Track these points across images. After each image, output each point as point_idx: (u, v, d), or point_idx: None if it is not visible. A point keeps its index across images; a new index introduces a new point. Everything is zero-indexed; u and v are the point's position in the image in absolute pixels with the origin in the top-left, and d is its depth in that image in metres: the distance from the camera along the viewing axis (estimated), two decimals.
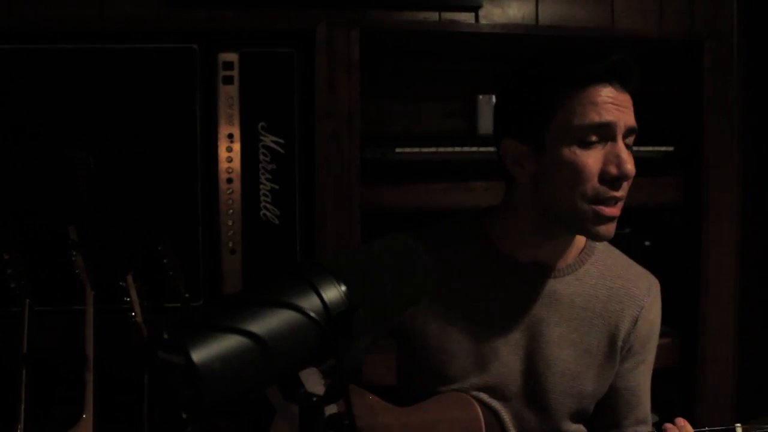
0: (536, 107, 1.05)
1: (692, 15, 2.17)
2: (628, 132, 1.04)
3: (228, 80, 1.83)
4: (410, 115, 2.17)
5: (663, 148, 1.95)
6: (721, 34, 2.16)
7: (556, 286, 1.14)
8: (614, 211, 1.02)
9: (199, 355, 0.52)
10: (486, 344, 1.14)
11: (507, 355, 1.14)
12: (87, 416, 1.67)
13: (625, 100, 1.05)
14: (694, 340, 2.00)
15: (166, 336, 0.54)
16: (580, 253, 1.17)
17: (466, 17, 2.11)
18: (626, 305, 1.15)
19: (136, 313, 1.74)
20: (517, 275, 1.14)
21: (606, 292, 1.16)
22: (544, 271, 1.14)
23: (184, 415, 0.54)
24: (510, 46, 2.03)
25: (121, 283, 1.75)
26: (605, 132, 1.02)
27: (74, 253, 1.74)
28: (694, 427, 1.08)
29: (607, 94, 1.03)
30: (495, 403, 1.15)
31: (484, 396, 1.14)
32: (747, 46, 2.19)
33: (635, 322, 1.15)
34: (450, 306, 1.15)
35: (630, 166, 1.01)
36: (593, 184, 1.01)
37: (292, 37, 1.85)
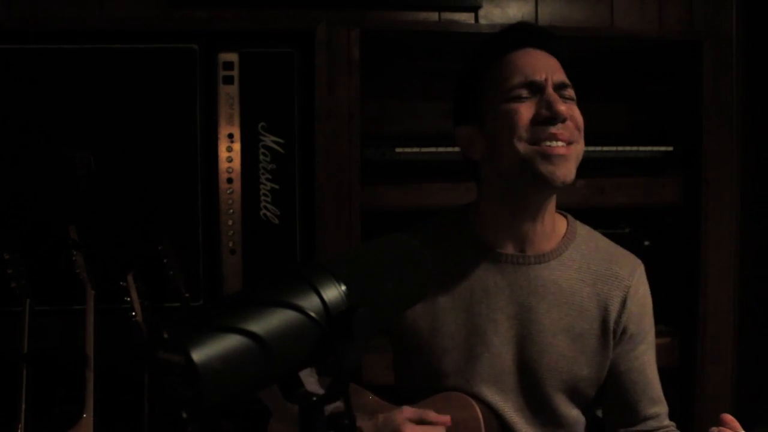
0: (471, 87, 1.14)
1: (691, 15, 2.17)
2: (559, 86, 1.09)
3: (228, 80, 1.83)
4: (410, 115, 2.17)
5: (662, 148, 1.95)
6: (720, 34, 2.16)
7: (541, 272, 1.15)
8: (560, 149, 1.05)
9: (199, 354, 0.52)
10: (477, 337, 1.15)
11: (499, 346, 1.14)
12: (87, 416, 1.67)
13: (549, 59, 1.11)
14: (693, 339, 2.00)
15: (166, 336, 0.54)
16: (562, 238, 1.18)
17: (466, 17, 2.11)
18: (613, 286, 1.16)
19: (137, 313, 1.74)
20: (501, 265, 1.15)
21: (591, 275, 1.16)
22: (528, 258, 1.15)
23: (184, 415, 0.54)
24: None
25: (121, 283, 1.75)
26: (533, 87, 1.08)
27: (74, 252, 1.74)
28: (693, 429, 1.09)
29: (527, 55, 1.11)
30: (494, 397, 1.15)
31: (484, 391, 1.15)
32: (746, 46, 2.19)
33: (624, 302, 1.16)
34: (438, 301, 1.16)
35: (561, 107, 1.06)
36: (528, 126, 1.06)
37: (292, 37, 1.86)
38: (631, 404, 1.19)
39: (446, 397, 1.15)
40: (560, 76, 1.10)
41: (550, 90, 1.07)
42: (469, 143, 1.14)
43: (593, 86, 2.22)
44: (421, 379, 1.19)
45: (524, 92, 1.07)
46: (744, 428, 0.93)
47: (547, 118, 1.05)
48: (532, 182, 1.07)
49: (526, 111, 1.06)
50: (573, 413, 1.18)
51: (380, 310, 0.67)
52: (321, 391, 0.62)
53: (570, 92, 1.10)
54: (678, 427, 1.23)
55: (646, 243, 2.03)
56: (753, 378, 2.17)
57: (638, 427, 1.19)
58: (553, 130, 1.05)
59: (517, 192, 1.11)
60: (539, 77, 1.07)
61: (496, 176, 1.12)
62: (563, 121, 1.05)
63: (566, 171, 1.06)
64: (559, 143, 1.05)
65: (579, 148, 1.09)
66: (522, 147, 1.05)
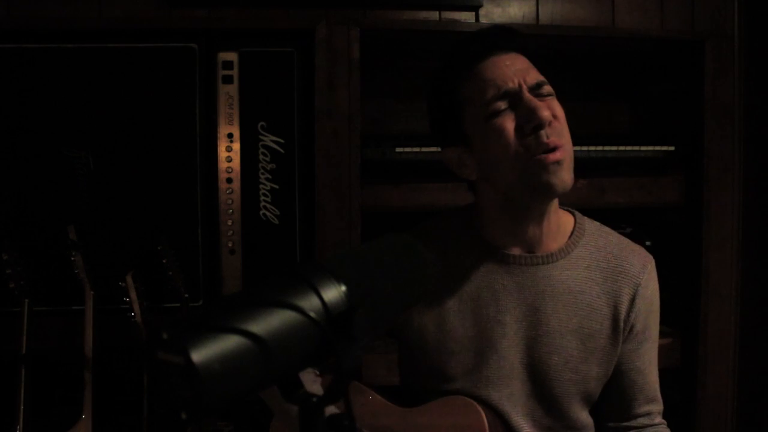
0: (447, 108, 1.12)
1: (693, 14, 2.17)
2: (535, 87, 1.07)
3: (228, 80, 1.82)
4: (410, 115, 2.17)
5: (664, 148, 1.95)
6: (722, 33, 2.16)
7: (549, 272, 1.14)
8: (556, 155, 1.04)
9: (198, 355, 0.51)
10: (484, 339, 1.14)
11: (506, 349, 1.13)
12: (86, 416, 1.67)
13: (517, 60, 1.09)
14: (695, 340, 1.99)
15: (165, 336, 0.53)
16: (570, 237, 1.16)
17: (467, 16, 2.10)
18: (622, 284, 1.15)
19: (136, 313, 1.74)
20: (509, 266, 1.14)
21: (600, 273, 1.15)
22: (535, 259, 1.14)
23: (184, 416, 0.53)
24: None
25: (120, 283, 1.75)
26: (509, 97, 1.06)
27: (73, 253, 1.73)
28: (695, 429, 1.08)
29: (494, 64, 1.08)
30: (502, 401, 1.14)
31: (491, 394, 1.14)
32: (748, 45, 2.19)
33: (633, 299, 1.14)
34: (445, 303, 1.15)
35: (544, 113, 1.04)
36: (516, 140, 1.04)
37: (292, 36, 1.85)
38: (625, 401, 1.19)
39: (450, 401, 1.14)
40: (533, 75, 1.08)
41: (527, 96, 1.05)
42: (460, 165, 1.13)
43: (594, 85, 2.23)
44: (427, 381, 1.18)
45: (502, 104, 1.05)
46: None
47: (533, 128, 1.03)
48: (532, 194, 1.07)
49: (509, 124, 1.05)
50: (582, 416, 1.17)
51: (381, 310, 0.67)
52: (321, 392, 0.62)
53: (547, 88, 1.09)
54: (680, 428, 1.22)
55: (648, 243, 2.02)
56: (755, 378, 2.16)
57: (629, 423, 1.19)
58: (543, 138, 1.03)
59: (518, 203, 1.10)
60: (512, 85, 1.06)
61: (493, 192, 1.12)
62: (549, 124, 1.04)
63: (564, 177, 1.05)
64: (552, 152, 1.04)
65: (569, 148, 1.07)
66: (517, 164, 1.04)
